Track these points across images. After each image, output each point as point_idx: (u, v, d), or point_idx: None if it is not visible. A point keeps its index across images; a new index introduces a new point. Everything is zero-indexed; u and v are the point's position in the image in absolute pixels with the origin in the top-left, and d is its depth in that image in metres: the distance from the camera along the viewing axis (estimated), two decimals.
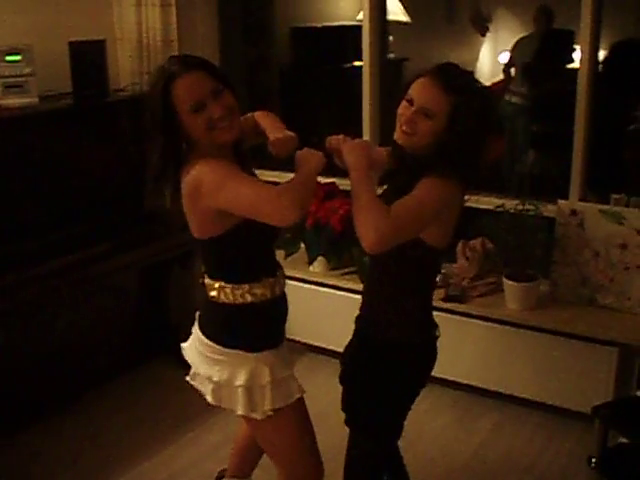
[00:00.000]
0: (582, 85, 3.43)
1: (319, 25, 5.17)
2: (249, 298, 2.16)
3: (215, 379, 2.21)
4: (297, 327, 4.07)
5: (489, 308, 3.54)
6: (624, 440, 3.13)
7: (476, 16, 7.01)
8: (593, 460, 3.08)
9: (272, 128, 2.31)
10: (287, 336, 3.89)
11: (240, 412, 2.22)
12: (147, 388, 3.96)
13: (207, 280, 2.22)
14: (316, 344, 4.14)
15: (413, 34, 6.00)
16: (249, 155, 2.30)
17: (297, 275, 3.97)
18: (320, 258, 3.90)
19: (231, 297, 2.17)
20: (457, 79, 2.09)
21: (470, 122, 2.06)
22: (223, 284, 2.17)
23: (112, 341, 4.04)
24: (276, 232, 2.24)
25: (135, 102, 3.95)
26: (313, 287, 4.00)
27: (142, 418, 3.70)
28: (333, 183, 3.91)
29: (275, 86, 4.72)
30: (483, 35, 7.22)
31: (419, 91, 2.08)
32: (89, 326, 3.91)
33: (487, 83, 7.17)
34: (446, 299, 3.53)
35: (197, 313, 2.34)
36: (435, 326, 2.34)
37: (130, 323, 4.17)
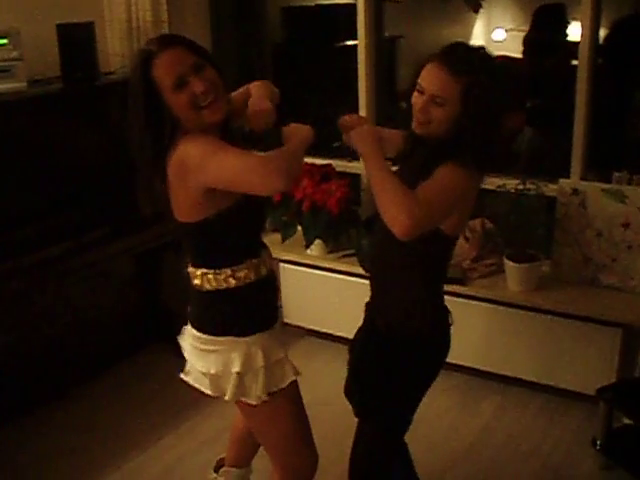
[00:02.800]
0: (583, 60, 3.37)
1: (312, 4, 5.08)
2: (233, 282, 2.11)
3: (212, 371, 2.16)
4: (295, 311, 4.05)
5: (490, 290, 3.49)
6: (629, 421, 3.10)
7: None
8: (598, 442, 3.06)
9: (254, 99, 2.23)
10: (285, 320, 3.88)
11: (227, 398, 2.17)
12: (142, 377, 3.91)
13: (190, 268, 2.18)
14: (314, 328, 4.09)
15: (406, 12, 5.92)
16: (239, 134, 2.20)
17: (294, 259, 3.93)
18: (317, 241, 3.84)
19: (214, 283, 2.12)
20: (463, 60, 2.03)
21: (483, 102, 2.00)
22: (205, 270, 2.12)
23: (106, 329, 3.98)
24: (264, 215, 2.23)
25: (126, 85, 3.86)
26: (310, 270, 3.94)
27: (137, 407, 3.65)
28: (329, 165, 3.85)
29: (268, 66, 4.63)
30: (476, 12, 7.14)
31: (427, 79, 2.04)
32: (83, 314, 3.85)
33: None
34: (446, 281, 3.47)
35: (188, 308, 2.28)
36: (448, 312, 2.29)
37: (124, 310, 4.12)
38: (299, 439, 2.32)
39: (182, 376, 2.30)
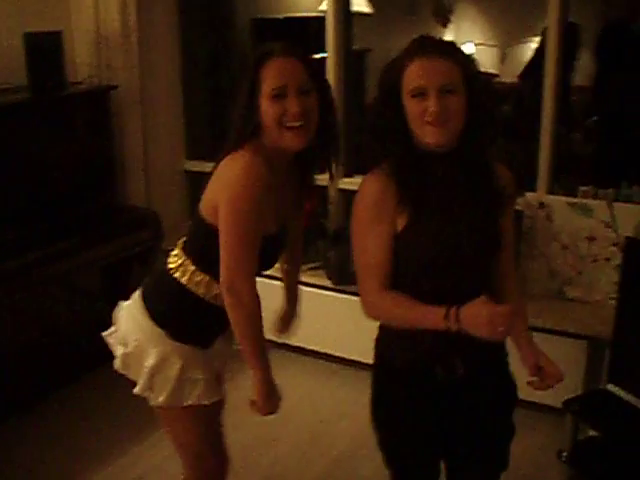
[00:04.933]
0: (550, 74, 3.41)
1: (281, 16, 5.10)
2: (201, 290, 2.11)
3: (129, 348, 2.18)
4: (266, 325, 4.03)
5: None
6: (594, 433, 3.13)
7: (437, 7, 7.03)
8: (564, 454, 3.08)
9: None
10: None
11: (136, 391, 2.20)
12: (112, 388, 3.84)
13: (177, 251, 2.17)
14: (282, 341, 4.05)
15: (375, 25, 5.97)
16: (312, 165, 2.19)
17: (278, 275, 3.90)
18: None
19: (186, 278, 2.11)
20: (447, 44, 1.88)
21: (478, 83, 1.85)
22: (189, 263, 2.12)
23: (73, 341, 3.93)
24: (271, 260, 2.22)
25: (94, 95, 3.86)
26: (278, 282, 3.91)
27: (107, 418, 3.61)
28: None
29: (236, 79, 4.63)
30: (445, 26, 7.24)
31: (425, 75, 1.79)
32: (49, 325, 3.81)
33: None
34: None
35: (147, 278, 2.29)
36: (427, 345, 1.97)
37: (91, 322, 4.06)
38: (205, 449, 2.34)
39: (104, 334, 2.32)
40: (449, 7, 7.04)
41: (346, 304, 3.74)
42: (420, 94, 1.80)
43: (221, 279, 1.99)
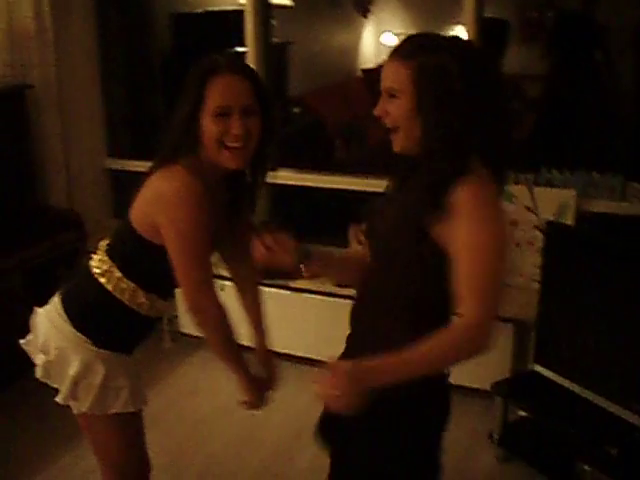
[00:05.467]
0: None
1: (200, 10, 5.05)
2: (126, 297, 2.06)
3: (50, 356, 2.13)
4: (190, 320, 3.99)
5: None
6: (523, 414, 3.20)
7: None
8: (495, 435, 3.14)
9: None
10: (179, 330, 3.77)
11: (58, 399, 2.15)
12: (38, 396, 3.72)
13: (102, 255, 2.10)
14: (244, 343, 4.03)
15: (297, 18, 5.96)
16: (246, 191, 2.18)
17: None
18: None
19: (112, 284, 2.06)
20: (415, 43, 1.70)
21: (438, 84, 1.64)
22: (115, 269, 2.06)
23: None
24: None
25: (8, 94, 3.76)
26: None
27: (34, 427, 3.51)
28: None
29: (157, 74, 4.57)
30: (365, 16, 7.27)
31: (381, 76, 1.73)
32: None
33: (371, 65, 7.28)
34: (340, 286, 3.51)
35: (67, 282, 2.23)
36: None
37: (15, 328, 3.96)
38: (121, 466, 2.30)
39: (21, 342, 2.27)
40: None
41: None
42: (379, 94, 1.74)
43: (184, 301, 1.97)
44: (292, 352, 3.78)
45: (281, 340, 3.81)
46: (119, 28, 4.38)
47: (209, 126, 1.91)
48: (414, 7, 7.08)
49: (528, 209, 3.40)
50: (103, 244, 2.14)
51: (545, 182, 3.45)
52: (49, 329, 2.15)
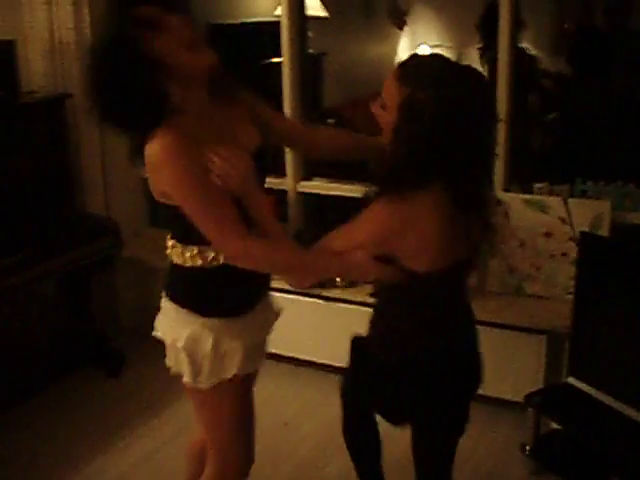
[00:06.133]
0: (503, 72, 3.45)
1: (237, 22, 5.10)
2: (199, 261, 2.06)
3: (168, 340, 2.16)
4: None
5: None
6: (556, 426, 3.17)
7: (393, 10, 7.06)
8: (527, 447, 3.12)
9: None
10: None
11: (186, 379, 2.14)
12: (74, 399, 3.83)
13: (168, 240, 2.15)
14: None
15: (331, 29, 5.99)
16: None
17: None
18: None
19: (181, 258, 2.08)
20: (412, 70, 1.92)
21: (414, 120, 1.86)
22: (174, 243, 2.10)
23: (35, 352, 3.89)
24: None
25: (48, 104, 3.82)
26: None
27: (71, 430, 3.57)
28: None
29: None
30: (401, 29, 7.27)
31: (384, 82, 2.00)
32: (10, 337, 3.75)
33: None
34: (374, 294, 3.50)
35: None
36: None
37: (54, 332, 4.03)
38: (235, 436, 2.29)
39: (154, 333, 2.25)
40: (404, 9, 7.08)
41: (311, 307, 3.78)
42: None
43: (221, 254, 1.99)
44: (326, 362, 3.78)
45: (313, 350, 3.86)
46: None
47: (165, 44, 1.90)
48: (450, 19, 7.08)
49: (562, 221, 3.38)
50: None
51: (580, 193, 3.43)
52: (162, 319, 2.21)
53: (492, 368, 3.41)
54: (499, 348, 3.42)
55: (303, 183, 4.06)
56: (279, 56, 3.96)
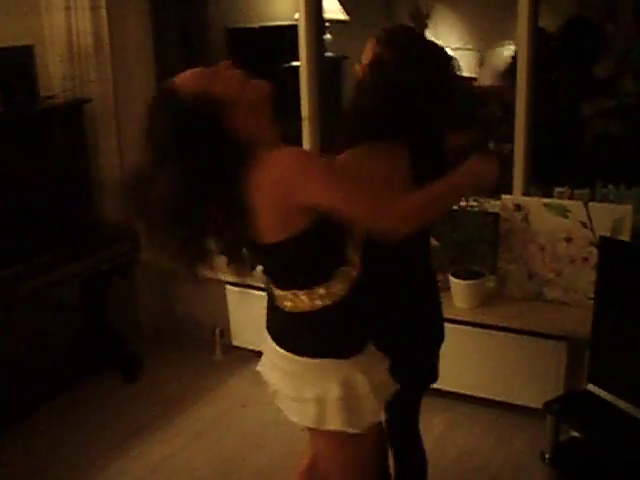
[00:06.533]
0: (522, 74, 3.41)
1: (256, 25, 5.09)
2: (327, 300, 1.96)
3: (303, 397, 1.99)
4: (242, 334, 4.02)
5: None
6: (576, 434, 3.12)
7: (414, 12, 7.02)
8: (546, 455, 3.07)
9: None
10: (233, 343, 3.82)
11: (338, 427, 1.97)
12: (91, 403, 3.84)
13: (277, 292, 2.01)
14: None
15: (352, 32, 5.95)
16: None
17: (239, 281, 3.88)
18: None
19: (309, 304, 1.96)
20: (388, 33, 2.20)
21: (378, 75, 2.11)
22: (295, 292, 1.97)
23: (53, 356, 3.90)
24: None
25: (66, 109, 3.84)
26: (256, 292, 3.85)
27: (86, 435, 3.58)
28: None
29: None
30: (422, 31, 7.24)
31: (370, 43, 2.23)
32: (28, 341, 3.76)
33: None
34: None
35: (267, 326, 2.14)
36: None
37: (71, 337, 4.04)
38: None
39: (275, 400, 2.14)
40: (426, 12, 7.04)
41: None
42: None
43: (386, 231, 1.87)
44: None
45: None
46: (176, 44, 4.44)
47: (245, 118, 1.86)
48: (472, 22, 7.04)
49: (583, 225, 3.33)
50: (268, 283, 2.05)
51: (601, 197, 3.39)
52: (287, 379, 2.05)
53: (512, 374, 3.42)
54: (519, 354, 3.39)
55: None
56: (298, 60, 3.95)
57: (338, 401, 1.95)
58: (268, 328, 2.13)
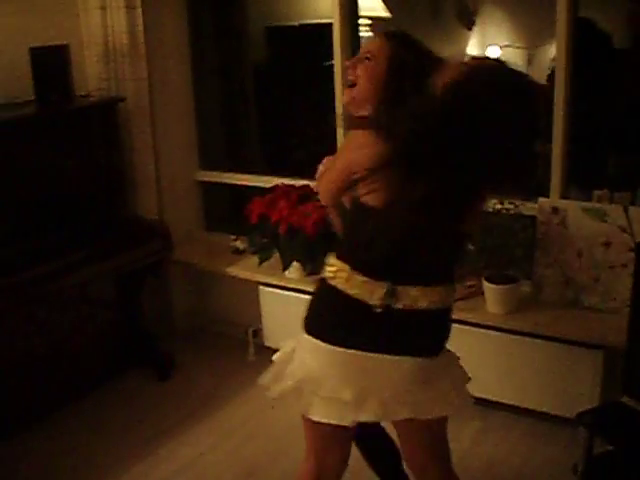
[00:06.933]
0: (560, 77, 3.31)
1: (296, 23, 5.04)
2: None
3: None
4: (274, 334, 3.98)
5: (469, 312, 3.39)
6: (610, 447, 3.01)
7: (461, 10, 6.90)
8: (579, 468, 2.97)
9: None
10: (265, 343, 3.80)
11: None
12: (122, 401, 3.86)
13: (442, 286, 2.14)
14: None
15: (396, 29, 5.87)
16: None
17: (272, 281, 3.86)
18: (295, 263, 3.77)
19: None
20: (398, 32, 2.26)
21: (406, 63, 2.09)
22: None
23: (86, 353, 3.92)
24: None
25: (101, 107, 3.85)
26: (289, 293, 3.85)
27: (115, 433, 3.58)
28: (307, 186, 3.78)
29: (250, 87, 4.60)
30: (469, 29, 7.10)
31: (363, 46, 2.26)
32: (62, 338, 3.78)
33: None
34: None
35: None
36: None
37: (105, 334, 4.06)
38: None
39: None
40: (473, 9, 6.91)
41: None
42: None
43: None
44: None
45: None
46: (212, 41, 4.43)
47: None
48: (520, 20, 6.89)
49: (623, 230, 3.22)
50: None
51: None
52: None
53: (546, 382, 3.32)
54: (553, 362, 3.29)
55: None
56: None
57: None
58: None
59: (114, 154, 3.90)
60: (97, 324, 4.00)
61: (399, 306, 2.01)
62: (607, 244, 3.27)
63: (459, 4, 6.84)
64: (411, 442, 2.37)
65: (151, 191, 4.13)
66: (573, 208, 3.31)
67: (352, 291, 2.02)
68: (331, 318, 2.10)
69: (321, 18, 5.11)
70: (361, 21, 5.18)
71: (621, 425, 2.87)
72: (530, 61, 7.14)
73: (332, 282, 2.06)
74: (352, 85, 2.17)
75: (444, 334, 2.20)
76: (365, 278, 2.00)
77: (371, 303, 2.00)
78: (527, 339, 3.32)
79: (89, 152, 3.80)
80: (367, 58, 2.15)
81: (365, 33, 5.21)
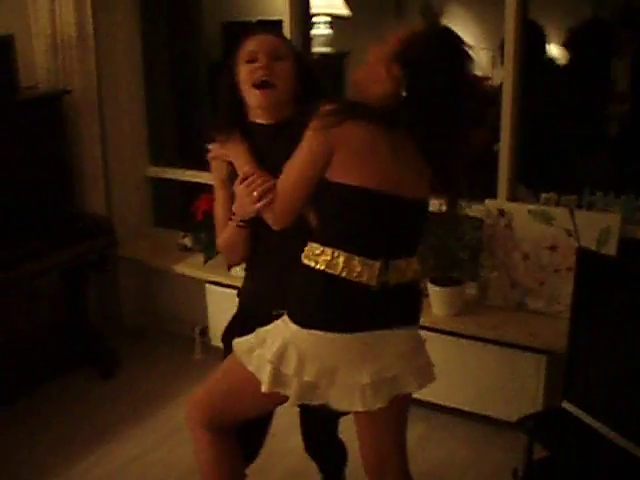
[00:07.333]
0: (507, 79, 3.30)
1: (253, 19, 4.99)
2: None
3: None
4: (220, 332, 3.92)
5: None
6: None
7: (426, 10, 6.88)
8: (519, 473, 2.95)
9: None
10: (212, 342, 3.73)
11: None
12: (65, 399, 3.79)
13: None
14: None
15: (357, 28, 5.85)
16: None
17: (219, 280, 3.81)
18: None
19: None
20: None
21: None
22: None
23: (30, 350, 3.85)
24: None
25: (46, 100, 3.78)
26: (236, 291, 3.79)
27: (58, 431, 3.52)
28: None
29: (203, 84, 4.54)
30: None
31: (259, 45, 2.12)
32: (4, 334, 3.72)
33: None
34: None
35: None
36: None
37: (50, 331, 3.99)
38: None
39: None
40: (439, 10, 6.90)
41: None
42: (251, 61, 2.11)
43: None
44: None
45: None
46: (165, 36, 4.37)
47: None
48: (485, 20, 6.88)
49: (569, 233, 3.20)
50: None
51: (588, 205, 3.25)
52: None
53: (489, 386, 3.30)
54: (497, 366, 3.27)
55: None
56: None
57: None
58: None
59: (61, 148, 3.83)
60: (41, 321, 3.94)
61: (393, 281, 2.03)
62: (553, 247, 3.25)
63: (424, 4, 6.83)
64: (381, 426, 2.32)
65: (99, 186, 4.07)
66: (520, 211, 3.30)
67: (352, 275, 1.99)
68: (334, 306, 2.04)
69: (277, 15, 5.08)
70: (319, 19, 5.16)
71: (560, 431, 2.85)
72: (494, 62, 7.15)
73: (329, 270, 2.00)
74: (269, 86, 2.10)
75: (421, 302, 2.27)
76: (361, 258, 1.99)
77: (371, 283, 2.00)
78: (471, 342, 3.30)
79: (34, 145, 3.73)
80: (280, 58, 2.13)
81: (323, 30, 5.21)
